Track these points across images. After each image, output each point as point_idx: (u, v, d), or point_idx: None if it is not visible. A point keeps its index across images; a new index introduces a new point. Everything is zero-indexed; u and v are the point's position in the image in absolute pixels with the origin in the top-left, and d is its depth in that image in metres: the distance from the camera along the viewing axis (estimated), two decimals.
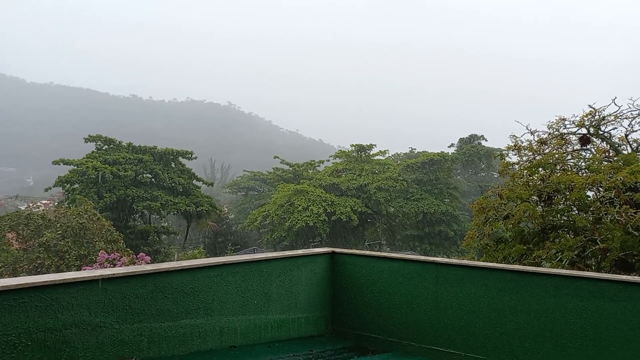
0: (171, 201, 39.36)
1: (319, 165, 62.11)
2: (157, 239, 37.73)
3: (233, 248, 46.63)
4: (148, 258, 17.23)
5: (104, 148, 40.43)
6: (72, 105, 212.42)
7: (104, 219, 20.74)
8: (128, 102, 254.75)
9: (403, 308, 6.21)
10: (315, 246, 44.29)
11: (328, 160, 61.98)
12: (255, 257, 6.00)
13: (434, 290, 6.03)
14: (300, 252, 6.66)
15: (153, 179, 40.77)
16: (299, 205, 45.86)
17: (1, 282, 3.89)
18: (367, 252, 6.95)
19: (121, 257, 16.76)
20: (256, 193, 67.12)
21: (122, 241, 20.42)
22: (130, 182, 38.07)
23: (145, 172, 40.15)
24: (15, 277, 13.26)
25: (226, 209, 61.40)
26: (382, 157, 58.15)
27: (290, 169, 60.37)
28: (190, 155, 43.43)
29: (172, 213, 42.65)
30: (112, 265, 15.42)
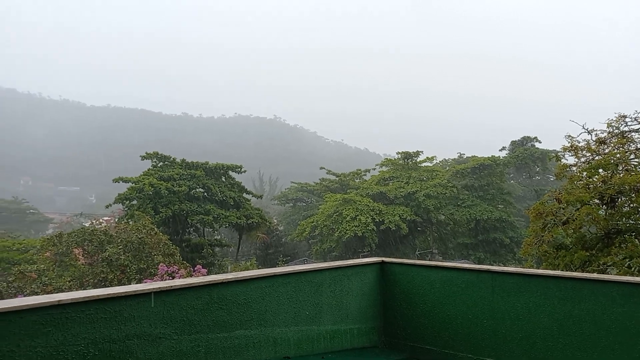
0: (223, 214, 40.42)
1: (365, 174, 61.84)
2: (211, 251, 38.77)
3: (284, 259, 47.14)
4: (204, 270, 17.75)
5: (159, 165, 42.27)
6: (128, 125, 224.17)
7: (161, 234, 21.60)
8: (180, 120, 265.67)
9: (458, 319, 6.03)
10: (364, 256, 43.94)
11: (374, 169, 61.59)
12: (306, 267, 6.03)
13: (490, 300, 5.82)
14: (350, 262, 6.63)
15: (205, 193, 42.09)
16: (347, 215, 45.77)
17: (70, 295, 4.15)
18: (418, 262, 6.82)
19: (179, 269, 17.37)
20: (304, 204, 67.67)
21: (179, 254, 21.16)
22: (184, 197, 39.51)
23: (197, 186, 41.54)
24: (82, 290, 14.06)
25: (275, 220, 62.27)
26: (429, 164, 57.07)
27: (337, 179, 60.49)
28: (239, 169, 44.55)
29: (224, 226, 43.77)
30: (171, 278, 16.00)
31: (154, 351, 4.43)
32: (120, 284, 17.18)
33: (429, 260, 45.95)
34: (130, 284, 16.44)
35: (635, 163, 12.55)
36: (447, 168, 61.09)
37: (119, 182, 38.55)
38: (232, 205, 42.42)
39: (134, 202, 37.88)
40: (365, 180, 59.36)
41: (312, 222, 48.32)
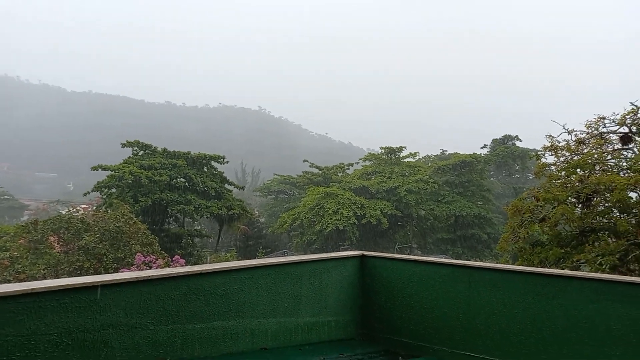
0: (204, 205, 40.11)
1: (348, 168, 61.99)
2: (191, 242, 38.49)
3: (264, 251, 47.07)
4: (182, 261, 17.62)
5: (140, 153, 41.65)
6: (109, 112, 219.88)
7: (139, 223, 21.33)
8: (162, 108, 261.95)
9: (435, 312, 6.11)
10: (345, 249, 44.19)
11: (357, 163, 61.78)
12: (286, 260, 6.03)
13: (466, 294, 5.91)
14: (330, 255, 6.65)
15: (187, 183, 41.67)
16: (329, 209, 45.88)
17: (44, 283, 4.06)
18: (398, 256, 6.88)
19: (157, 259, 17.19)
20: (286, 196, 67.56)
21: (157, 244, 20.94)
22: (164, 187, 39.04)
23: (179, 176, 41.10)
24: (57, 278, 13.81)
25: (257, 212, 62.06)
26: (412, 160, 57.51)
27: (320, 172, 60.49)
28: (222, 159, 44.19)
29: (204, 216, 43.43)
30: (148, 268, 15.83)
31: (129, 341, 4.39)
32: (96, 273, 16.93)
33: (408, 254, 46.40)
34: (107, 273, 16.20)
35: (611, 164, 12.86)
36: (430, 164, 61.68)
37: (97, 170, 37.87)
38: (214, 196, 42.11)
39: (113, 190, 37.31)
40: (349, 174, 59.54)
41: (294, 215, 48.31)
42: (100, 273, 16.81)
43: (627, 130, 13.23)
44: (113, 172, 37.39)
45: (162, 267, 15.71)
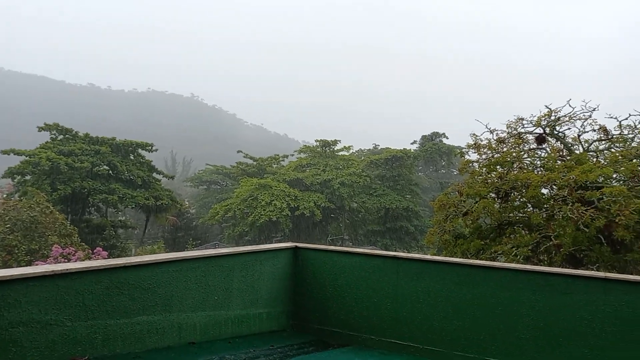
0: (129, 194, 38.24)
1: (283, 160, 61.90)
2: (114, 233, 36.59)
3: (194, 243, 45.86)
4: (105, 253, 16.67)
5: (59, 138, 38.78)
6: (24, 92, 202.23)
7: (57, 212, 19.89)
8: (85, 91, 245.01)
9: (364, 302, 6.27)
10: (278, 241, 44.21)
11: (292, 155, 61.87)
12: (217, 252, 5.90)
13: (394, 284, 6.12)
14: (262, 247, 6.60)
15: (110, 171, 39.48)
16: (262, 200, 45.58)
17: None
18: (330, 247, 6.97)
19: (76, 251, 16.13)
20: (219, 187, 66.16)
21: (77, 235, 19.67)
22: (86, 174, 36.73)
23: (102, 164, 38.83)
24: None
25: (187, 203, 60.25)
26: (346, 153, 58.55)
27: (254, 163, 59.85)
28: (150, 147, 42.29)
29: (130, 207, 41.45)
30: (66, 260, 14.81)
31: (42, 339, 4.07)
32: (5, 266, 15.57)
33: (340, 245, 47.37)
34: (19, 266, 14.94)
35: (527, 162, 13.88)
36: (362, 158, 63.16)
37: (9, 155, 34.76)
38: (140, 185, 40.27)
39: (28, 177, 34.47)
40: (283, 166, 59.45)
41: (226, 206, 47.47)
42: (11, 266, 15.49)
43: (541, 131, 14.35)
44: (28, 158, 34.55)
45: (82, 260, 14.77)
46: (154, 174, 43.02)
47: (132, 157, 41.58)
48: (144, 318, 4.88)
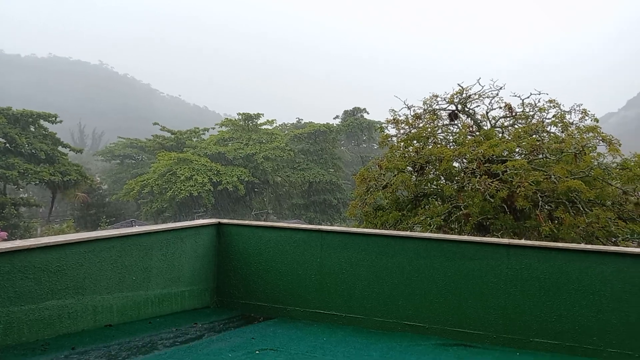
0: (32, 170, 35.03)
1: (203, 134, 59.88)
2: (15, 211, 33.47)
3: (107, 221, 43.33)
4: (4, 234, 15.22)
5: None
6: None
7: None
8: None
9: (289, 275, 6.35)
10: (200, 217, 43.13)
11: (214, 129, 60.01)
12: (134, 230, 5.61)
13: (319, 256, 6.26)
14: (184, 224, 6.39)
15: (8, 145, 35.76)
16: (182, 175, 44.01)
17: None
18: (254, 222, 6.92)
19: None
20: (133, 161, 62.64)
21: None
22: None
23: None
24: None
25: (98, 178, 56.58)
26: (269, 127, 57.99)
27: (173, 136, 57.27)
28: (54, 118, 38.79)
29: (33, 183, 38.04)
30: None
31: None
32: None
33: (265, 220, 47.40)
34: None
35: (441, 137, 14.68)
36: (286, 132, 62.97)
37: None
38: (44, 160, 36.99)
39: None
40: (204, 140, 57.55)
41: (143, 181, 45.21)
42: None
43: (454, 108, 15.20)
44: None
45: None
46: (60, 148, 39.67)
47: (33, 129, 37.87)
48: (53, 302, 4.54)
